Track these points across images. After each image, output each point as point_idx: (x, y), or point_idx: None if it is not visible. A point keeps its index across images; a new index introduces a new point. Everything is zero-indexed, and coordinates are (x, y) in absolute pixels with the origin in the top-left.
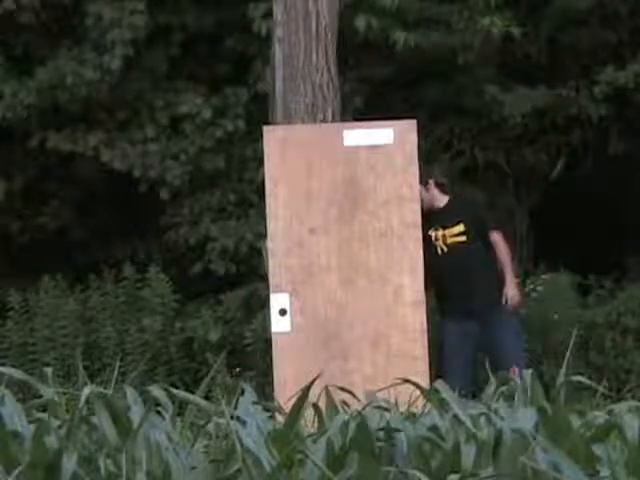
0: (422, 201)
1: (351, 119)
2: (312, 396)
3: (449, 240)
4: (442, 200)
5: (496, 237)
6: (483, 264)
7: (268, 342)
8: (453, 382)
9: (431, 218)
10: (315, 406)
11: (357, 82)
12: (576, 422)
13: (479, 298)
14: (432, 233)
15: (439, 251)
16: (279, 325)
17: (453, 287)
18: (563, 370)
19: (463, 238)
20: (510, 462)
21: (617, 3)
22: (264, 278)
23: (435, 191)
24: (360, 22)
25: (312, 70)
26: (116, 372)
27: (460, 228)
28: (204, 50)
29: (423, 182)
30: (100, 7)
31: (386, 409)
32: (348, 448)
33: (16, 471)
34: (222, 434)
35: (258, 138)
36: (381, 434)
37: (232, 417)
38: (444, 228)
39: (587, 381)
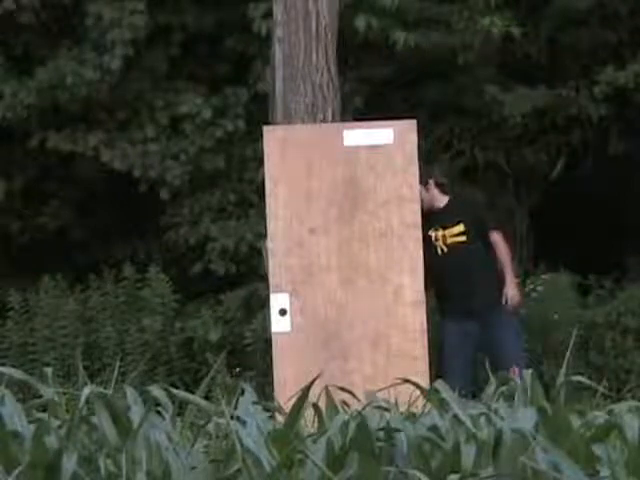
0: (422, 201)
1: (351, 119)
2: (312, 396)
3: (449, 240)
4: (442, 200)
5: (496, 237)
6: (483, 264)
7: (268, 342)
8: (453, 382)
9: (431, 218)
10: (315, 406)
11: (357, 82)
12: (576, 422)
13: (479, 298)
14: (432, 233)
15: (439, 251)
16: (279, 325)
17: (453, 287)
18: (563, 370)
19: (463, 238)
20: (510, 462)
21: (617, 3)
22: (264, 278)
23: (435, 191)
24: (360, 22)
25: (312, 70)
26: (116, 372)
27: (460, 228)
28: (204, 50)
29: (423, 182)
30: (100, 7)
31: (386, 409)
32: (348, 448)
33: (16, 471)
34: (222, 434)
35: (258, 138)
36: (381, 434)
37: (232, 417)
38: (444, 228)
39: (587, 381)
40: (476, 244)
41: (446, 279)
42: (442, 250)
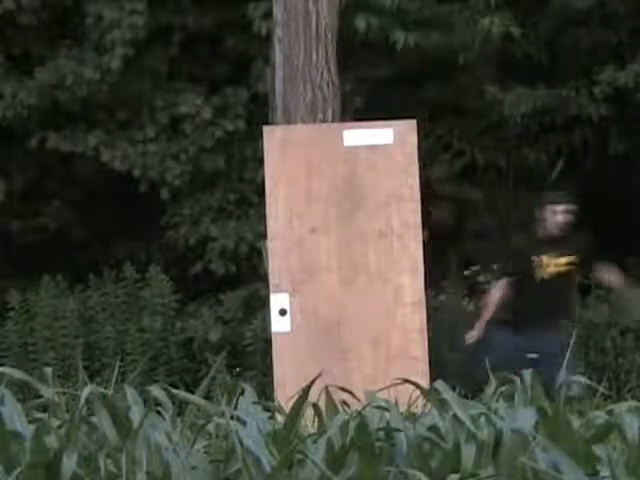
0: (545, 223)
1: (351, 119)
2: (312, 396)
3: (553, 269)
4: (560, 229)
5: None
6: (569, 297)
7: (268, 342)
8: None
9: (543, 242)
10: (315, 406)
11: (357, 82)
12: (576, 422)
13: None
14: (538, 258)
15: (539, 277)
16: (279, 325)
17: (540, 315)
18: (563, 370)
19: (565, 269)
20: (510, 462)
21: (617, 3)
22: (264, 278)
23: (559, 218)
24: (360, 22)
25: (312, 70)
26: (116, 372)
27: (566, 259)
28: (204, 50)
29: (550, 205)
30: (100, 7)
31: (386, 409)
32: (348, 448)
33: (16, 471)
34: (222, 434)
35: (258, 138)
36: (381, 434)
37: (232, 417)
38: (552, 257)
39: (587, 381)
40: (573, 277)
41: (537, 307)
42: (542, 278)
